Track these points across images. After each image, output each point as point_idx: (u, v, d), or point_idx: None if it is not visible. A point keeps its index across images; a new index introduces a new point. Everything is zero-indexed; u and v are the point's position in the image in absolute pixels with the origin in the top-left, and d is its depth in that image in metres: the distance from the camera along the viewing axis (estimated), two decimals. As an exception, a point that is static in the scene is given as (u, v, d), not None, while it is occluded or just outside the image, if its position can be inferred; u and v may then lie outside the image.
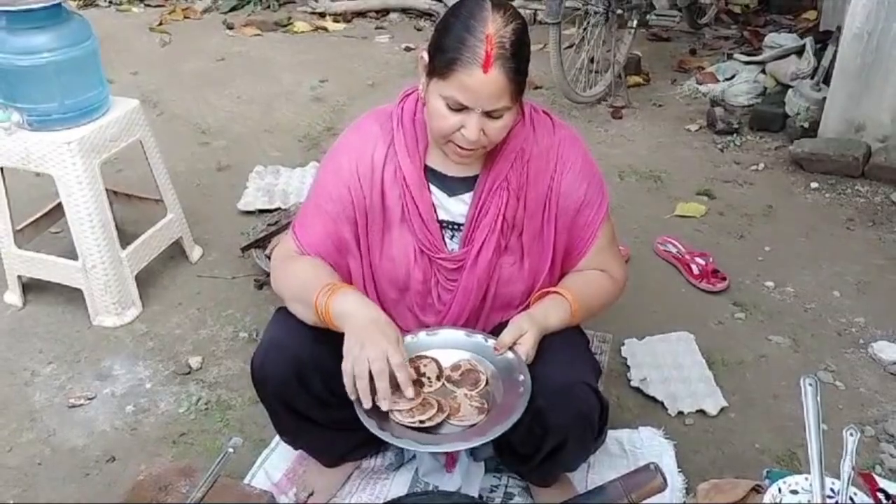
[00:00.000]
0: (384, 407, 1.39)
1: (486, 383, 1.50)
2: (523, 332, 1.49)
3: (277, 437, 1.98)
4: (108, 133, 2.38)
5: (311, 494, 1.86)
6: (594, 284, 1.65)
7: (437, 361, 1.53)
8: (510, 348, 1.49)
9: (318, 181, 1.66)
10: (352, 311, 1.46)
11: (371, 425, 1.40)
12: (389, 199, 1.60)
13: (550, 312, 1.54)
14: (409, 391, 1.40)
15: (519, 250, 1.63)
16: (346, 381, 1.41)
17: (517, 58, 1.41)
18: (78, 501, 1.89)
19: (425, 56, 1.47)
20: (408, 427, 1.42)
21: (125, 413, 2.16)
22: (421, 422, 1.42)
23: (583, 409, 1.51)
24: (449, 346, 1.57)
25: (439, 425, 1.44)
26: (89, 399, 2.21)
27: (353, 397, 1.42)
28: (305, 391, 1.58)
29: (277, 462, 1.97)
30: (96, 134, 2.34)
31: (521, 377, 1.44)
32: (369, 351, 1.38)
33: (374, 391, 1.40)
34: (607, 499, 1.15)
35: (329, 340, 1.56)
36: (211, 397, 2.21)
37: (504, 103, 1.42)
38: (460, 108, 1.42)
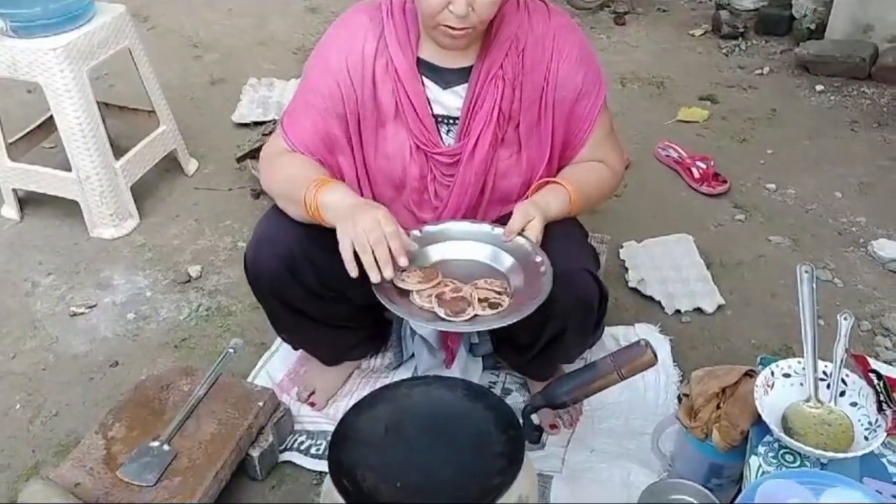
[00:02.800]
0: (387, 275, 1.36)
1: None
2: (531, 219, 1.47)
3: (278, 341, 2.01)
4: (95, 39, 2.32)
5: (312, 393, 1.89)
6: (592, 175, 1.62)
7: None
8: (519, 234, 1.48)
9: (306, 77, 1.62)
10: (338, 200, 1.45)
11: (387, 301, 1.39)
12: (382, 94, 1.56)
13: (551, 201, 1.53)
14: (402, 260, 1.38)
15: (516, 142, 1.60)
16: (347, 258, 1.38)
17: None
18: (83, 403, 1.93)
19: None
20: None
21: (126, 320, 2.18)
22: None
23: (583, 294, 1.51)
24: (459, 238, 1.54)
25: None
26: (90, 308, 2.23)
27: (353, 275, 1.39)
28: (298, 284, 1.58)
29: (279, 364, 2.00)
30: (83, 40, 2.29)
31: (539, 258, 1.44)
32: (363, 224, 1.37)
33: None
34: (598, 373, 1.16)
35: (319, 235, 1.55)
36: (211, 304, 2.23)
37: None
38: None
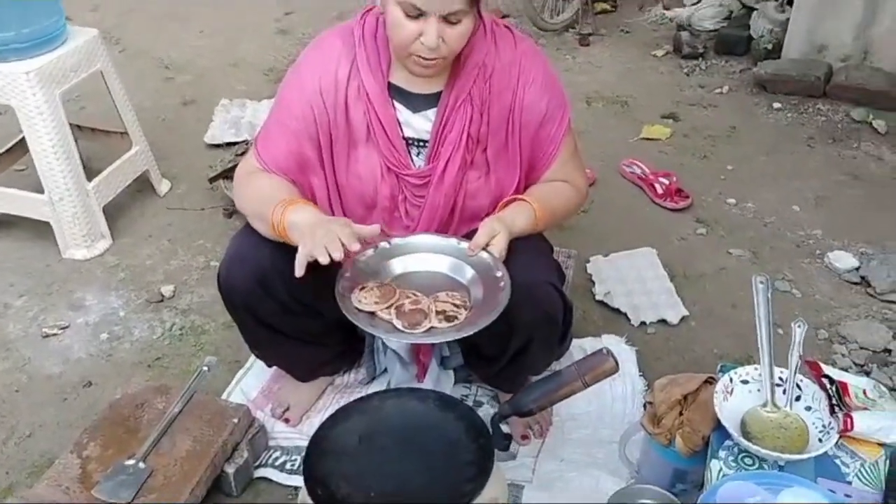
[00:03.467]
0: (336, 257, 1.38)
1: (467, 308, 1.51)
2: (496, 234, 1.52)
3: (252, 358, 2.04)
4: (68, 63, 2.35)
5: (286, 409, 1.91)
6: (557, 193, 1.68)
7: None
8: (484, 249, 1.52)
9: (280, 98, 1.66)
10: (303, 219, 1.48)
11: (350, 313, 1.44)
12: (354, 117, 1.61)
13: (517, 217, 1.58)
14: (354, 245, 1.39)
15: (484, 165, 1.65)
16: (300, 262, 1.40)
17: None
18: (57, 424, 1.93)
19: None
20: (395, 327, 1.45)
21: (100, 340, 2.19)
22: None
23: (547, 307, 1.56)
24: (425, 250, 1.59)
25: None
26: (63, 328, 2.23)
27: (299, 273, 1.41)
28: (270, 299, 1.61)
29: (252, 381, 2.02)
30: (55, 64, 2.31)
31: (500, 273, 1.48)
32: (319, 233, 1.41)
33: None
34: (563, 381, 1.21)
35: (291, 251, 1.59)
36: (185, 323, 2.24)
37: (459, 5, 1.42)
38: (417, 15, 1.42)
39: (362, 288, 1.50)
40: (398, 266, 1.57)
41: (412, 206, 1.67)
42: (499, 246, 1.51)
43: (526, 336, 1.60)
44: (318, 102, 1.60)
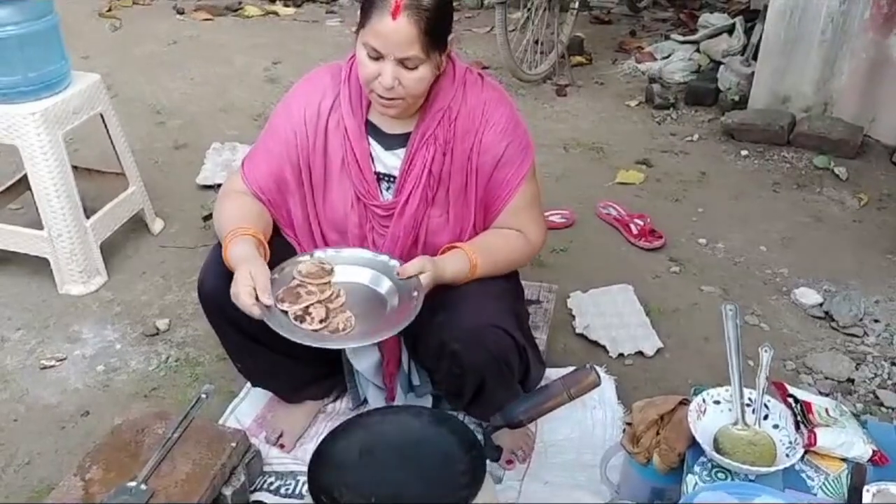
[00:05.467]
0: (255, 315, 1.52)
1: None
2: (424, 271, 1.60)
3: (246, 388, 2.11)
4: (72, 105, 2.46)
5: (280, 436, 1.99)
6: (504, 242, 1.75)
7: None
8: (412, 277, 1.61)
9: (270, 124, 1.81)
10: (233, 258, 1.60)
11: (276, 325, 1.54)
12: (331, 147, 1.74)
13: (448, 263, 1.66)
14: (266, 298, 1.52)
15: (445, 203, 1.75)
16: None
17: (431, 13, 1.52)
18: (55, 451, 1.98)
19: (360, 12, 1.61)
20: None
21: (96, 372, 2.25)
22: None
23: (494, 349, 1.63)
24: (353, 263, 1.70)
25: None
26: (60, 360, 2.29)
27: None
28: None
29: (247, 409, 2.09)
30: (60, 106, 2.41)
31: (416, 293, 1.56)
32: (233, 286, 1.54)
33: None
34: (550, 394, 1.31)
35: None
36: (180, 355, 2.31)
37: (414, 52, 1.53)
38: (377, 57, 1.55)
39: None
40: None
41: (378, 236, 1.78)
42: (424, 282, 1.60)
43: (478, 377, 1.67)
44: (301, 130, 1.74)
